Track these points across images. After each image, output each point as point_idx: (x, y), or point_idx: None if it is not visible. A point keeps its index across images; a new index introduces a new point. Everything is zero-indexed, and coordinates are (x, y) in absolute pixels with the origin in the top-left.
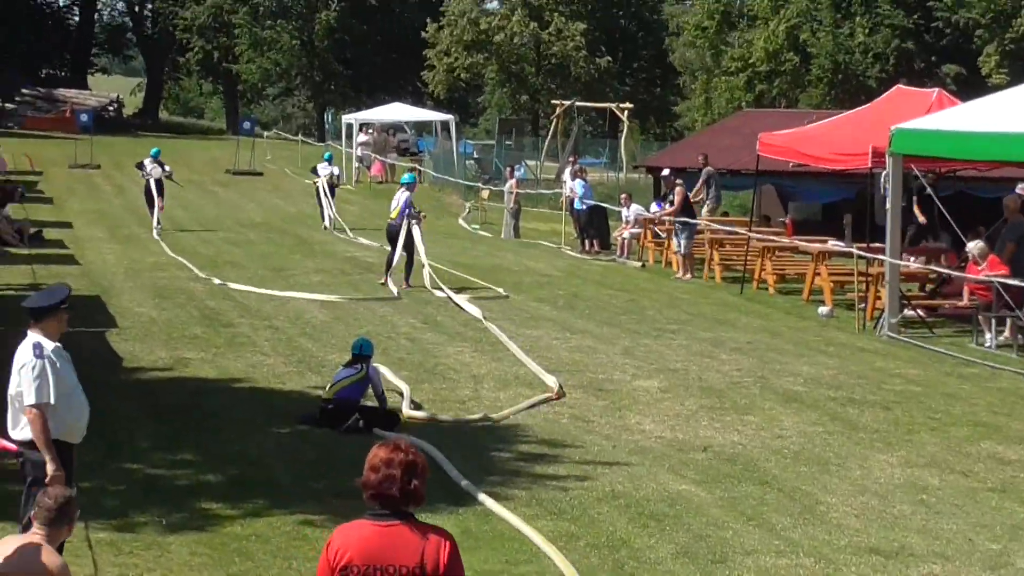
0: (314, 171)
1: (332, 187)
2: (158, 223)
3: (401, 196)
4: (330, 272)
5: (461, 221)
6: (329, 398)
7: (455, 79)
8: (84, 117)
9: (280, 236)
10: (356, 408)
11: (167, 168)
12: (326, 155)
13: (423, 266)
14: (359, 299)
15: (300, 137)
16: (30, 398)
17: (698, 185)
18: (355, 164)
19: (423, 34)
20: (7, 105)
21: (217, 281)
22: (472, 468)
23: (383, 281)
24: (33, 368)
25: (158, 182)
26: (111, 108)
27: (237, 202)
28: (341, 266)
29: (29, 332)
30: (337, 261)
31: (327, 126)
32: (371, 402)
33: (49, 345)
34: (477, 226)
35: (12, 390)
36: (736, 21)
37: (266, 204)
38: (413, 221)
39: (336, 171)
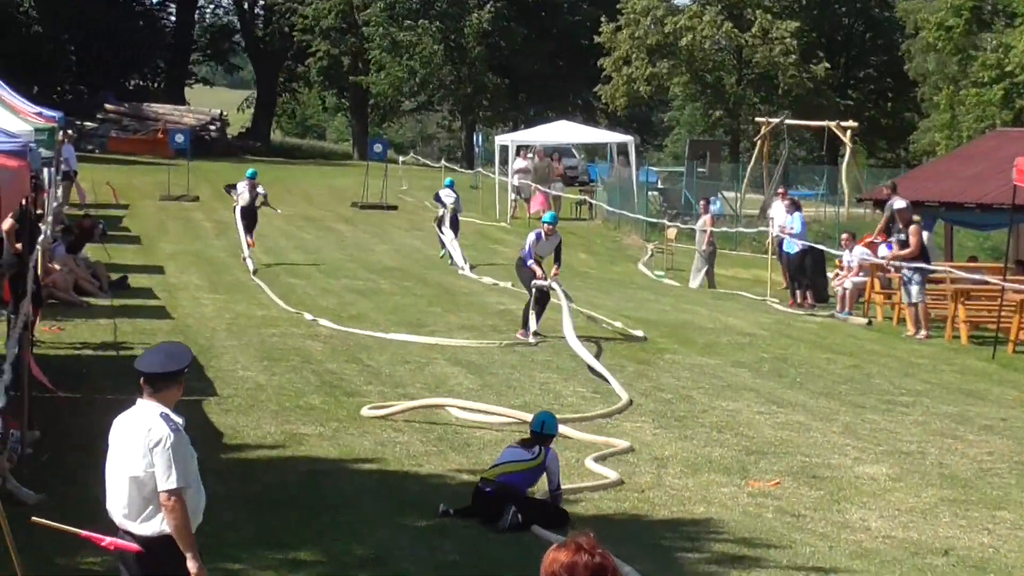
0: (437, 199)
1: (453, 217)
2: (248, 259)
3: (531, 235)
4: (479, 329)
5: (641, 266)
6: (491, 479)
7: (635, 91)
8: (180, 138)
9: (417, 284)
10: (519, 500)
11: (262, 190)
12: (447, 181)
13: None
14: (490, 344)
15: (443, 163)
16: (168, 483)
17: (881, 223)
18: (511, 196)
19: (596, 37)
20: (87, 124)
21: (309, 317)
22: (656, 571)
23: (533, 331)
24: (174, 446)
25: (246, 209)
26: (213, 127)
27: (365, 242)
28: (492, 321)
29: (145, 401)
30: (487, 315)
31: (477, 149)
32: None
33: (179, 418)
34: (661, 273)
35: (138, 472)
36: (990, 19)
37: (401, 245)
38: (552, 283)
39: (456, 197)
